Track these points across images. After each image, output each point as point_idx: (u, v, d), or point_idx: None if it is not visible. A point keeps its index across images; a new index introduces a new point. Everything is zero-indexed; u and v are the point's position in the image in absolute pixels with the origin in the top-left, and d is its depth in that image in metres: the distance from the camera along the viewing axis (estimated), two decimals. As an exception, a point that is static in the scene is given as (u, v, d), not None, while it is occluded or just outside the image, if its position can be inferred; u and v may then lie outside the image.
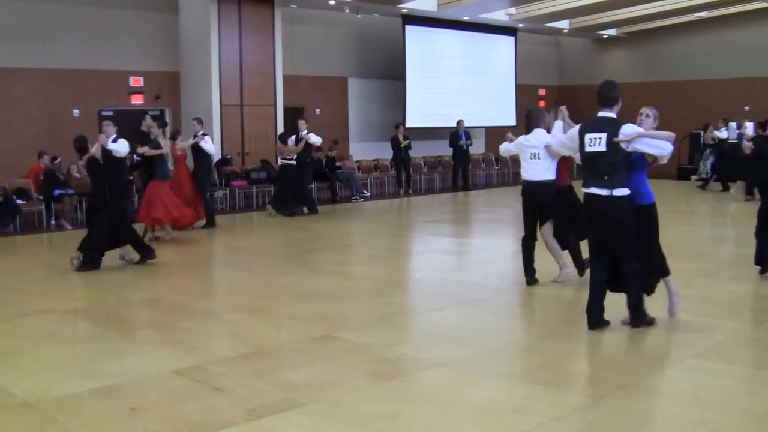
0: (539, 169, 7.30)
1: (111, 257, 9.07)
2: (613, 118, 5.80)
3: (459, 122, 18.74)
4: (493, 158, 21.25)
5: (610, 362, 5.44)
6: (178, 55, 16.28)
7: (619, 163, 5.66)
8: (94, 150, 8.98)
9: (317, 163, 15.64)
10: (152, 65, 15.99)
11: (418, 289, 8.30)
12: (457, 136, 18.66)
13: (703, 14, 20.54)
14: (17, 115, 14.34)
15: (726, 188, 16.64)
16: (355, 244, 11.81)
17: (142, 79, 15.87)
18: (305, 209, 14.10)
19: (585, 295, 6.05)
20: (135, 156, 11.48)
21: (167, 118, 15.61)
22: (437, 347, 5.64)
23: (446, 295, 7.43)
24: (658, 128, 5.85)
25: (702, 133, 18.87)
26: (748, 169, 15.08)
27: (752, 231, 7.83)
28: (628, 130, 5.68)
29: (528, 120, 7.62)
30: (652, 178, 6.11)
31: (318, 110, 18.46)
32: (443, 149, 19.56)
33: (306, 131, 13.95)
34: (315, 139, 13.99)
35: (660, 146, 5.65)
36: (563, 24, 21.79)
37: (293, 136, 14.09)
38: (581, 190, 6.00)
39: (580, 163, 6.06)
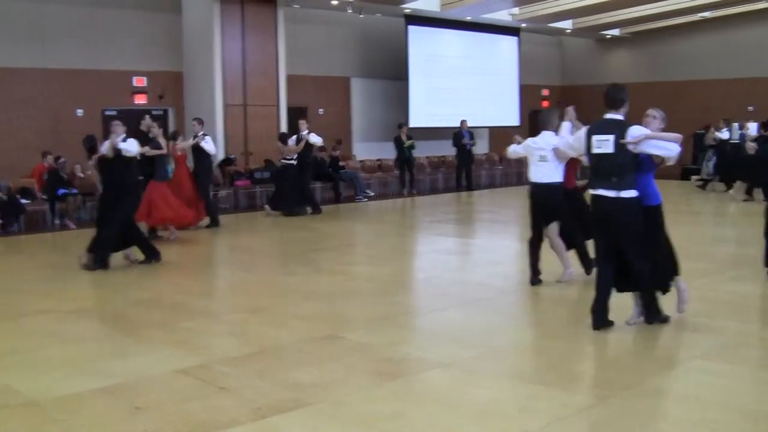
0: (547, 172, 7.29)
1: (114, 257, 9.06)
2: (620, 120, 5.78)
3: (462, 122, 18.72)
4: (497, 158, 21.24)
5: (615, 362, 5.43)
6: (181, 55, 16.31)
7: (627, 165, 5.65)
8: (106, 149, 8.89)
9: (318, 162, 15.64)
10: (155, 65, 16.02)
11: (422, 289, 8.29)
12: (460, 136, 18.64)
13: (706, 14, 20.50)
14: (17, 115, 14.35)
15: (729, 189, 16.61)
16: (359, 244, 11.81)
17: (145, 79, 15.91)
18: (309, 209, 14.12)
19: (589, 295, 6.04)
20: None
21: (170, 118, 15.63)
22: (441, 347, 5.63)
23: (450, 295, 7.42)
24: (665, 130, 5.84)
25: (704, 133, 18.84)
26: (750, 169, 15.08)
27: (752, 231, 7.81)
28: (635, 132, 5.66)
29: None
30: (655, 178, 6.09)
31: (321, 110, 18.48)
32: (447, 149, 19.55)
33: (306, 131, 13.96)
34: (315, 140, 14.01)
35: (667, 148, 5.64)
36: (566, 24, 21.77)
37: (294, 136, 14.11)
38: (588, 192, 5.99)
39: (587, 164, 6.05)
